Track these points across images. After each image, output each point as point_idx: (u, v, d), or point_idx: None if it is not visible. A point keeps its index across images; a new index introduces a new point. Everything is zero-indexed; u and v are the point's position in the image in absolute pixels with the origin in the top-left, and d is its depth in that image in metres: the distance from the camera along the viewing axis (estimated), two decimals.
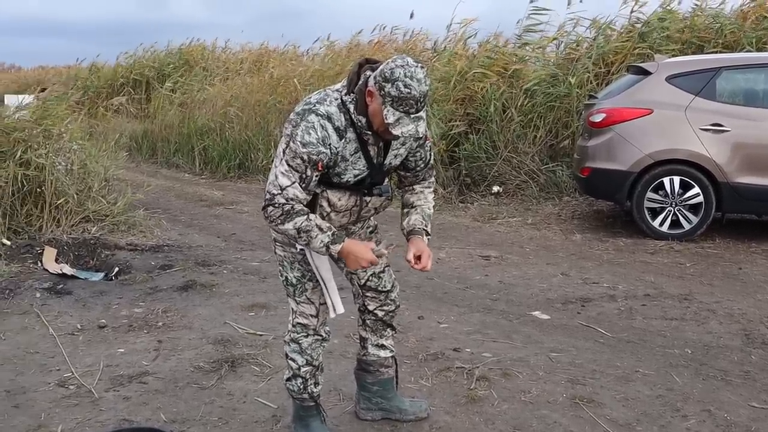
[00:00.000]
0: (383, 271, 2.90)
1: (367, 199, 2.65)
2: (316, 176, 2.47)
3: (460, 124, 9.04)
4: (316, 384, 2.85)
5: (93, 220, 6.58)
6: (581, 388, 3.42)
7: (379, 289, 2.91)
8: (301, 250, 2.60)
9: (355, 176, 2.56)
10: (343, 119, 2.48)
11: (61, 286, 5.06)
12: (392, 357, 3.06)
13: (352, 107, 2.48)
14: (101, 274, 5.42)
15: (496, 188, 8.65)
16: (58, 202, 6.35)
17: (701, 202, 6.41)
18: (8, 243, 5.83)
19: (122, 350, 3.93)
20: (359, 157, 2.53)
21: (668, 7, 9.57)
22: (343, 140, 2.48)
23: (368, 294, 2.92)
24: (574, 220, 7.55)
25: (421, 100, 2.36)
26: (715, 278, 5.37)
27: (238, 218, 7.96)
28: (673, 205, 6.48)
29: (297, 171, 2.43)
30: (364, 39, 13.35)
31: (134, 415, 3.14)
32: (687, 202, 6.45)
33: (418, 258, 2.65)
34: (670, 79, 6.60)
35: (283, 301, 4.37)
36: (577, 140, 7.77)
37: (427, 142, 2.77)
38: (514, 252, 6.26)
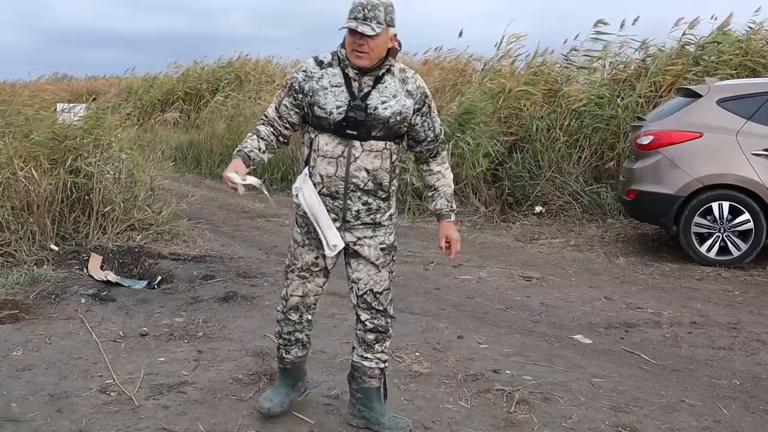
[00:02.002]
0: (381, 293, 3.02)
1: (356, 153, 2.83)
2: (290, 101, 2.93)
3: (504, 143, 8.98)
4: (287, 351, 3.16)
5: (138, 229, 6.68)
6: (624, 416, 3.34)
7: (374, 306, 3.02)
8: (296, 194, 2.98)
9: (338, 107, 2.81)
10: (330, 57, 2.90)
11: (105, 292, 5.13)
12: (380, 369, 3.10)
13: (339, 47, 2.88)
14: (144, 283, 5.49)
15: (538, 208, 8.56)
16: (105, 210, 6.46)
17: (751, 229, 6.26)
18: (56, 248, 5.95)
19: (163, 359, 3.96)
20: (342, 90, 2.83)
21: (724, 30, 9.40)
22: (323, 70, 2.87)
23: (362, 305, 3.04)
24: (618, 243, 7.43)
25: (367, 6, 2.72)
26: (764, 307, 5.21)
27: (280, 231, 8.01)
28: (722, 231, 6.33)
29: (277, 98, 2.99)
30: (417, 58, 13.52)
31: (173, 425, 3.16)
32: (736, 229, 6.30)
33: (448, 244, 3.05)
34: (721, 102, 6.47)
35: (321, 315, 4.37)
36: (624, 162, 7.66)
37: (433, 113, 2.99)
38: (556, 274, 6.17)
